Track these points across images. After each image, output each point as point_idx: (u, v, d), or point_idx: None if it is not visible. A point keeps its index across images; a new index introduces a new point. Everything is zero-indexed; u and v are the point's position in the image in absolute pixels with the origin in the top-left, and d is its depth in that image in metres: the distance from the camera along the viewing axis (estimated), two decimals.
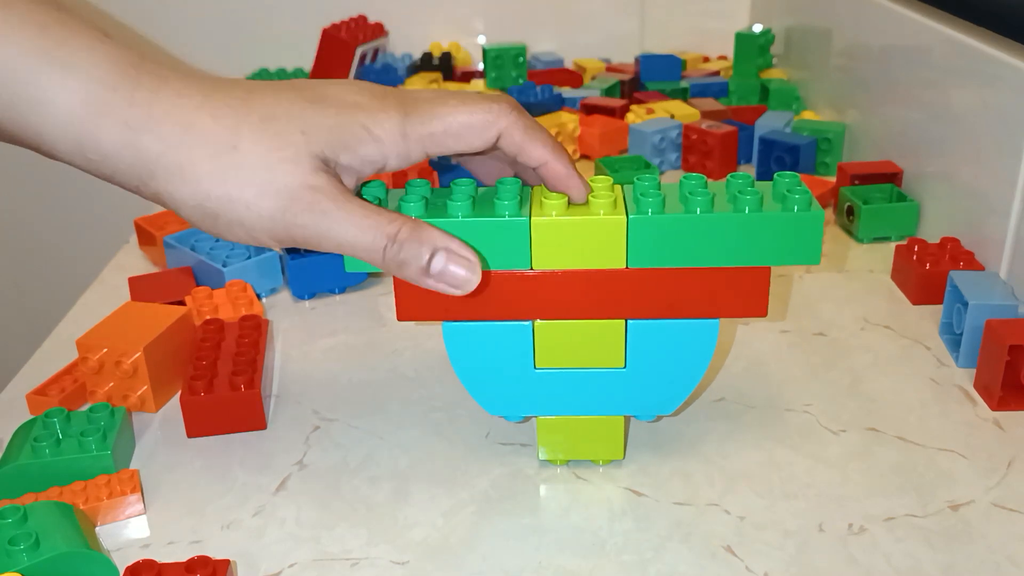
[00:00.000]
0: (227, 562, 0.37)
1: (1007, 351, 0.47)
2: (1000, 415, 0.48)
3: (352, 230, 0.37)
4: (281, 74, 1.06)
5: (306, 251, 0.63)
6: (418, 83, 1.03)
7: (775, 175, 0.40)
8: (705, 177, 0.40)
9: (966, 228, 0.62)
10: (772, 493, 0.43)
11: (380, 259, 0.38)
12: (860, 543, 0.40)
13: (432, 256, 0.37)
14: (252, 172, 0.37)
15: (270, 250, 0.63)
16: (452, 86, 1.05)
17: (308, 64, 1.06)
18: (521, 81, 1.02)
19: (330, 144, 0.38)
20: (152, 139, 0.37)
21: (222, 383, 0.49)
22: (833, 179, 0.77)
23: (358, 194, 0.41)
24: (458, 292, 0.38)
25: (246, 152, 0.37)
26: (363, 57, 1.06)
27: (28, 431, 0.46)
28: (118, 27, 1.10)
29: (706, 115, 0.88)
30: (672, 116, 0.87)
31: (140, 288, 0.61)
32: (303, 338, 0.58)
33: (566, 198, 0.39)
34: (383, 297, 0.63)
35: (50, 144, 0.37)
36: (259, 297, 0.62)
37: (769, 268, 0.40)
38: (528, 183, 0.43)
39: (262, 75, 1.05)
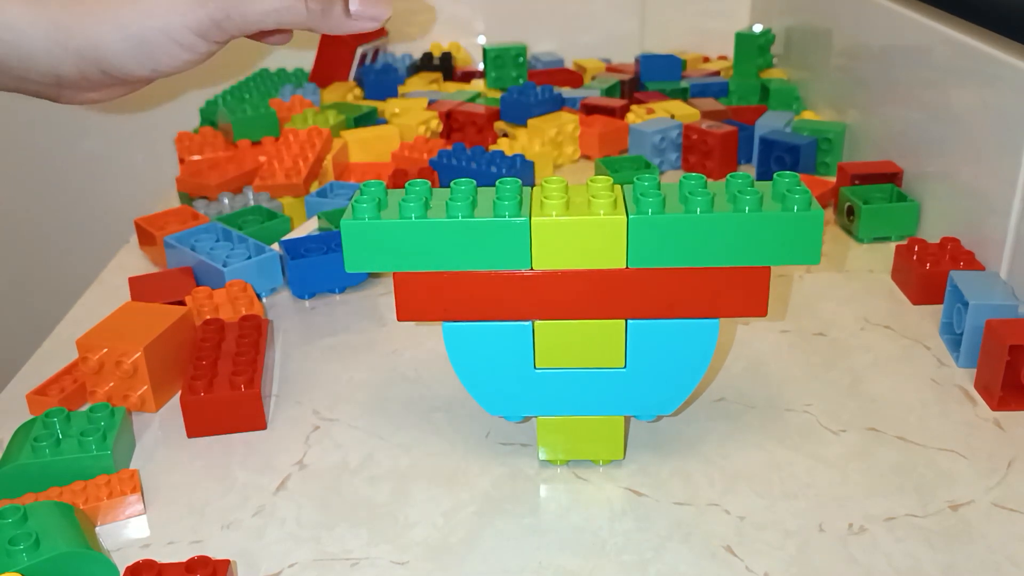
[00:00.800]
0: (227, 562, 0.37)
1: (1007, 351, 0.47)
2: (1000, 415, 0.48)
3: None
4: (281, 74, 1.06)
5: (306, 251, 0.63)
6: (418, 83, 1.03)
7: (775, 175, 0.40)
8: (705, 177, 0.40)
9: (966, 228, 0.62)
10: (772, 493, 0.43)
11: (303, 14, 0.40)
12: (860, 543, 0.40)
13: None
14: None
15: (270, 250, 0.63)
16: (452, 87, 1.05)
17: (308, 64, 1.06)
18: (521, 81, 1.02)
19: None
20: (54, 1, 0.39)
21: (222, 383, 0.49)
22: (833, 179, 0.77)
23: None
24: (377, 22, 0.41)
25: None
26: (363, 57, 1.06)
27: (28, 431, 0.46)
28: None
29: (706, 115, 0.88)
30: (672, 116, 0.87)
31: (140, 288, 0.61)
32: (303, 338, 0.58)
33: (566, 198, 0.39)
34: (383, 297, 0.63)
35: None
36: (259, 297, 0.62)
37: (769, 268, 0.40)
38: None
39: (262, 75, 1.05)
